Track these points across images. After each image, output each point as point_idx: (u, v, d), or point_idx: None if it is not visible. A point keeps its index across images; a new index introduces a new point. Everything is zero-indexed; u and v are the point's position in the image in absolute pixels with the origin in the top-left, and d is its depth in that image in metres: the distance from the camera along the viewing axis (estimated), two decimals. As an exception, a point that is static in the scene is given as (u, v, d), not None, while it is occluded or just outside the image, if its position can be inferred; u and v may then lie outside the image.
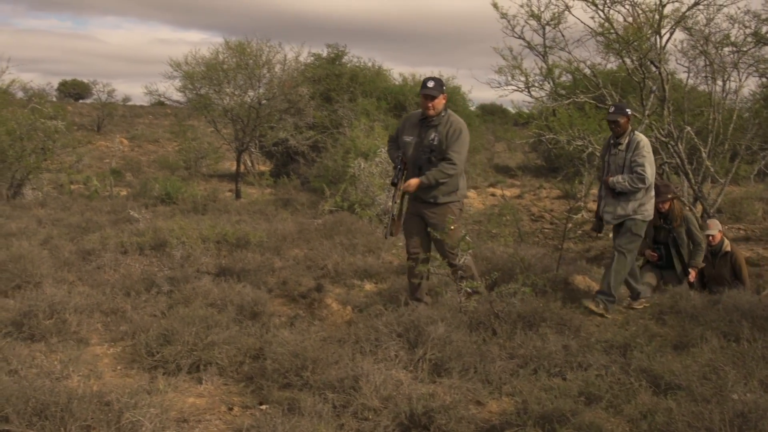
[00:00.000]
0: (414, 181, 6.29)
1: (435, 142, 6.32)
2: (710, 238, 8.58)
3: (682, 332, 6.02)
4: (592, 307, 6.71)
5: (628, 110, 7.14)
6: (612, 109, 7.19)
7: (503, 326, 5.78)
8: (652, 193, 7.14)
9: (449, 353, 5.07)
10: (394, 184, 6.46)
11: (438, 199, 6.38)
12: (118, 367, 5.25)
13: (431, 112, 6.33)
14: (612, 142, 7.25)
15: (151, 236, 8.97)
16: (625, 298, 7.34)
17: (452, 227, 6.24)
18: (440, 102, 6.36)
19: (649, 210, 7.10)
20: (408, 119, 6.67)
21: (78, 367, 5.02)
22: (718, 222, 8.99)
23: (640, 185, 6.92)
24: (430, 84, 6.32)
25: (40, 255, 7.99)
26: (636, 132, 7.15)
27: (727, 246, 8.65)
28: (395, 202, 6.59)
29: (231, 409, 4.58)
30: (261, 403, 4.60)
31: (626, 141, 7.07)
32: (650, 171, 6.94)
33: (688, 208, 12.07)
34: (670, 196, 8.27)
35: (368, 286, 7.67)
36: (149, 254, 8.53)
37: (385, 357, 5.03)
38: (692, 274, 8.27)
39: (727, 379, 4.46)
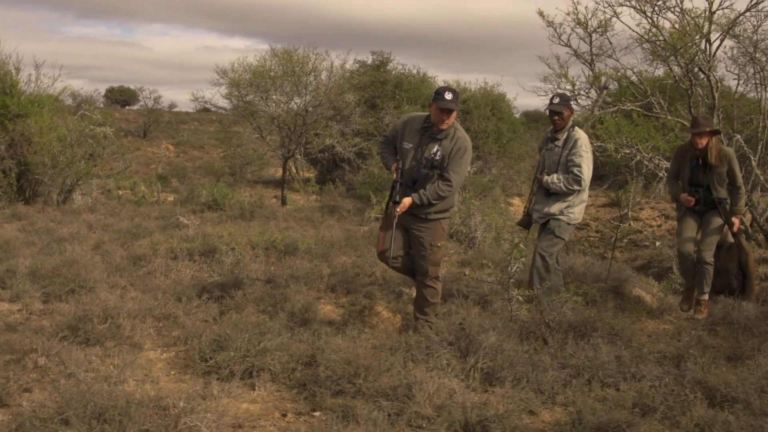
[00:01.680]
0: (407, 201, 5.92)
1: (437, 158, 5.92)
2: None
3: (736, 344, 5.95)
4: None
5: (572, 103, 6.84)
6: (556, 100, 6.78)
7: (554, 336, 5.75)
8: (585, 196, 6.82)
9: (501, 362, 5.07)
10: (396, 203, 5.93)
11: (430, 215, 6.04)
12: (172, 372, 5.32)
13: (445, 126, 5.90)
14: (549, 136, 6.91)
15: (200, 242, 9.08)
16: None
17: (439, 244, 6.10)
18: (454, 116, 5.97)
19: (576, 214, 6.77)
20: (409, 122, 6.13)
21: (133, 372, 5.12)
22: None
23: (576, 187, 6.63)
24: (449, 96, 5.86)
25: (93, 260, 8.13)
26: (576, 128, 6.80)
27: (731, 238, 7.80)
28: (396, 222, 6.00)
29: (285, 415, 4.61)
30: (314, 410, 4.63)
31: (564, 137, 6.73)
32: (587, 172, 6.64)
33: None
34: (708, 129, 7.36)
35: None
36: (198, 260, 8.64)
37: (437, 365, 5.04)
38: (736, 223, 7.51)
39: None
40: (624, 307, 6.99)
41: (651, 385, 4.77)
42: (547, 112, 6.75)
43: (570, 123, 6.81)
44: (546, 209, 6.78)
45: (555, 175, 6.65)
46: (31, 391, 4.75)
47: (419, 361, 5.15)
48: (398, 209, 5.96)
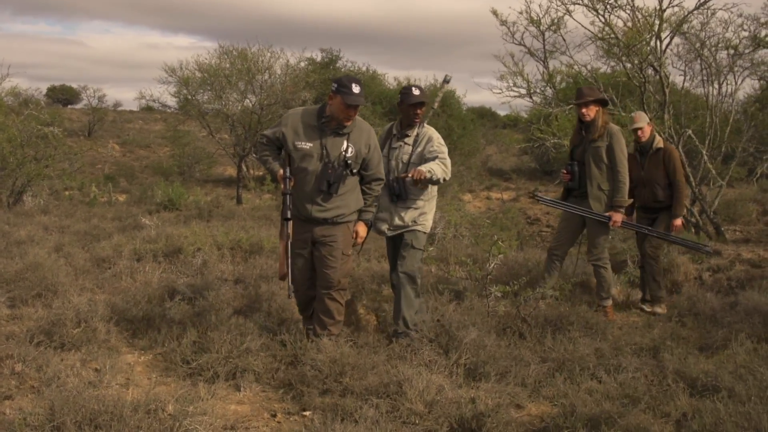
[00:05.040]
0: (363, 231, 5.68)
1: (350, 154, 5.38)
2: (638, 132, 7.49)
3: (706, 334, 6.13)
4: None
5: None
6: (417, 92, 5.91)
7: (531, 330, 5.85)
8: (434, 203, 6.11)
9: (483, 358, 5.15)
10: (288, 219, 5.34)
11: (342, 218, 5.47)
12: (154, 375, 5.28)
13: (350, 122, 5.38)
14: (395, 133, 6.07)
15: (164, 243, 9.01)
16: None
17: (350, 251, 5.62)
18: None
19: (430, 221, 6.03)
20: (298, 120, 5.46)
21: (114, 376, 5.08)
22: (645, 114, 7.78)
23: (448, 174, 5.83)
24: (356, 89, 5.25)
25: (57, 263, 7.99)
26: (426, 124, 6.03)
27: (660, 142, 7.51)
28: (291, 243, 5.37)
29: (274, 415, 4.62)
30: (304, 410, 4.65)
31: (414, 133, 5.95)
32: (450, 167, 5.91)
33: (688, 210, 12.19)
34: (591, 98, 6.95)
35: (386, 291, 7.72)
36: (164, 261, 8.56)
37: (421, 362, 5.10)
38: (616, 218, 6.88)
39: (764, 380, 4.56)
40: (592, 301, 7.12)
41: (632, 376, 4.90)
42: (405, 104, 5.88)
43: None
44: (396, 220, 5.92)
45: (430, 164, 5.73)
46: (12, 398, 4.68)
47: (402, 359, 5.21)
48: (358, 240, 5.61)
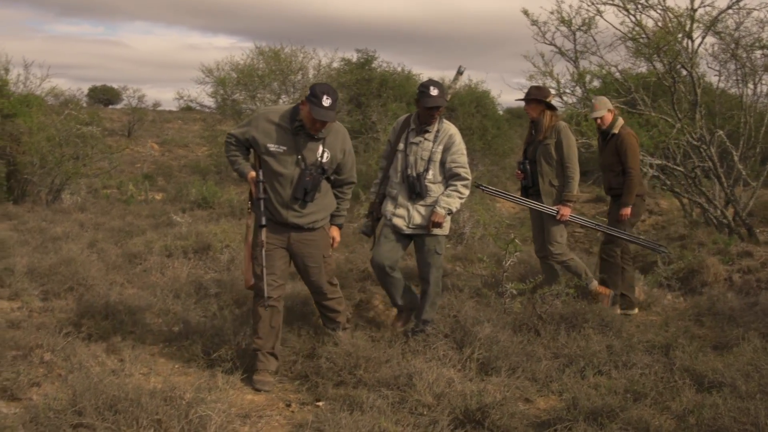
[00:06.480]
0: (337, 235, 5.61)
1: (325, 160, 5.21)
2: (598, 121, 7.37)
3: (721, 333, 6.16)
4: None
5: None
6: (435, 92, 5.75)
7: (547, 327, 5.92)
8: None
9: (496, 353, 5.25)
10: (263, 226, 5.17)
11: (318, 223, 5.32)
12: (176, 366, 5.46)
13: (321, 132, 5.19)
14: (414, 126, 5.92)
15: (194, 240, 9.20)
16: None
17: (330, 253, 5.49)
18: None
19: (449, 221, 5.93)
20: (271, 121, 5.18)
21: (137, 366, 5.25)
22: (606, 99, 7.53)
23: (466, 194, 5.85)
24: (327, 102, 4.96)
25: (89, 258, 8.24)
26: (445, 120, 5.93)
27: (617, 128, 7.29)
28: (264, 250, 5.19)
29: (289, 405, 4.78)
30: (318, 400, 4.79)
31: (434, 129, 5.85)
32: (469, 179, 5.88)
33: (720, 211, 12.11)
34: (533, 98, 6.87)
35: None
36: (193, 257, 8.74)
37: (435, 356, 5.21)
38: (563, 211, 6.79)
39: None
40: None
41: (641, 372, 4.97)
42: (422, 106, 5.79)
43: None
44: (417, 218, 5.82)
45: (446, 200, 5.74)
46: (40, 385, 4.89)
47: (417, 353, 5.33)
48: (334, 245, 5.50)
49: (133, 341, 5.82)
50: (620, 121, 7.37)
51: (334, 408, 4.39)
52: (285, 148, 5.10)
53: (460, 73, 6.54)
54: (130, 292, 7.08)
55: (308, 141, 5.13)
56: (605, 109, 7.33)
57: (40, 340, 5.46)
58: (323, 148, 5.17)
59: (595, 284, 6.93)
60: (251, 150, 5.29)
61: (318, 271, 5.34)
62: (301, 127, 5.09)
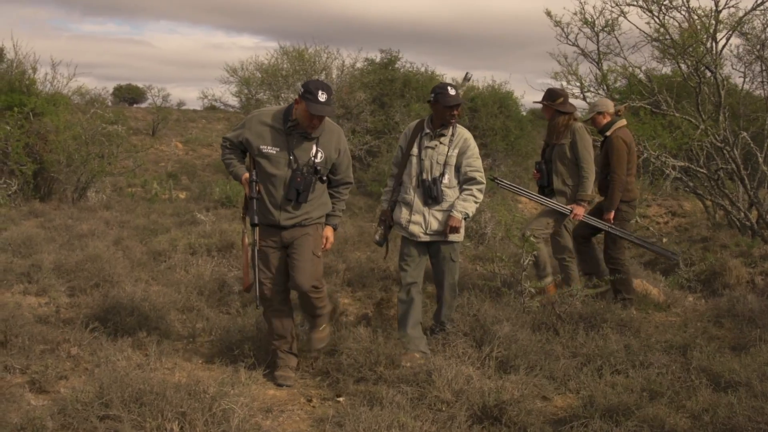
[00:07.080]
0: (331, 235, 5.49)
1: (319, 160, 5.17)
2: (593, 123, 7.33)
3: (740, 334, 6.18)
4: None
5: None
6: (453, 92, 5.69)
7: (565, 327, 5.97)
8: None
9: (515, 351, 5.30)
10: (255, 225, 5.11)
11: (312, 219, 5.24)
12: (199, 362, 5.56)
13: (316, 132, 5.14)
14: (428, 131, 5.81)
15: (218, 238, 9.32)
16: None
17: (320, 253, 5.35)
18: None
19: (463, 225, 5.76)
20: (263, 123, 5.16)
21: (162, 360, 5.36)
22: (605, 102, 7.42)
23: (481, 198, 5.79)
24: (323, 97, 4.93)
25: (114, 255, 8.36)
26: (458, 124, 5.84)
27: (611, 131, 7.13)
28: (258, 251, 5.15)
29: (310, 400, 4.86)
30: (338, 396, 4.87)
31: (450, 133, 5.77)
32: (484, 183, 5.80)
33: (743, 213, 12.06)
34: (545, 103, 7.01)
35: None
36: (217, 255, 8.85)
37: (454, 354, 5.28)
38: (577, 211, 6.88)
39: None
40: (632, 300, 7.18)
41: (658, 372, 5.01)
42: (441, 106, 5.70)
43: None
44: (434, 224, 5.73)
45: (462, 204, 5.68)
46: (68, 378, 5.02)
47: (437, 351, 5.40)
48: (327, 245, 5.39)
49: (158, 337, 5.92)
50: (618, 123, 7.22)
51: (354, 403, 4.48)
52: (278, 149, 5.07)
53: (467, 79, 6.66)
54: (155, 289, 7.18)
55: (302, 141, 5.10)
56: (594, 112, 7.27)
57: (68, 335, 5.61)
58: (317, 147, 5.13)
59: (548, 281, 6.95)
60: (247, 153, 5.28)
61: (303, 266, 5.15)
62: (294, 127, 5.06)
